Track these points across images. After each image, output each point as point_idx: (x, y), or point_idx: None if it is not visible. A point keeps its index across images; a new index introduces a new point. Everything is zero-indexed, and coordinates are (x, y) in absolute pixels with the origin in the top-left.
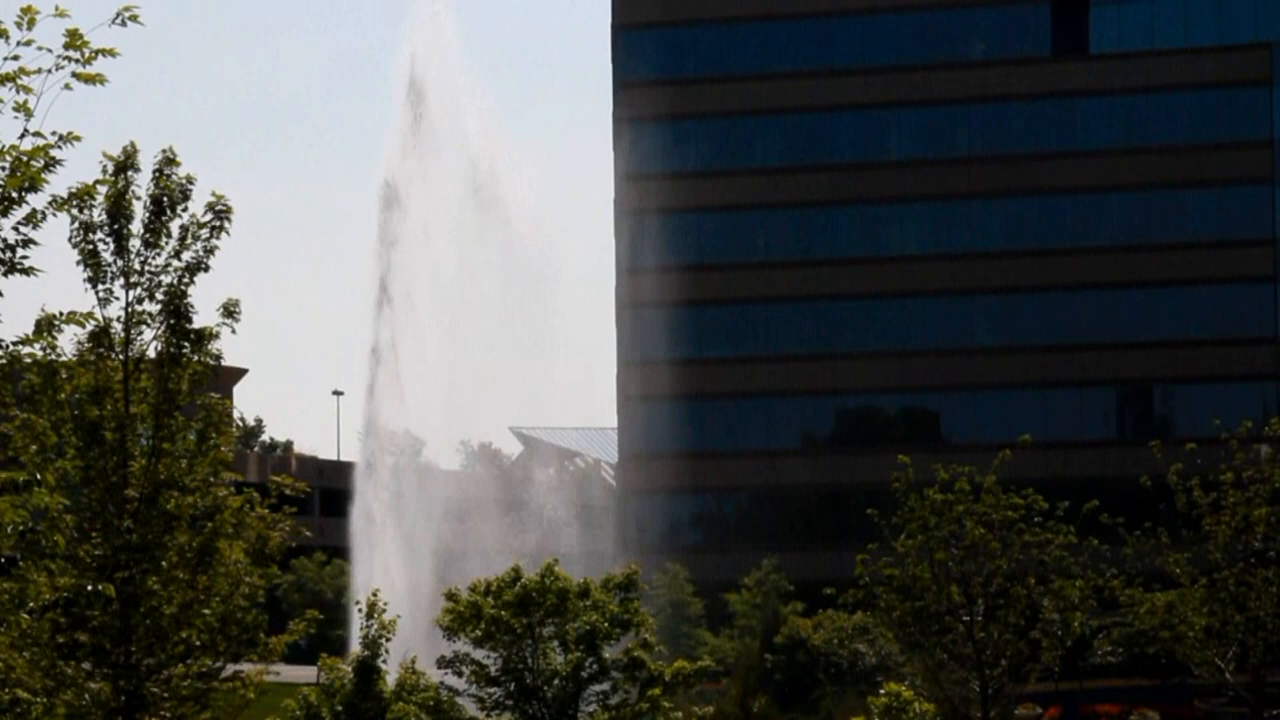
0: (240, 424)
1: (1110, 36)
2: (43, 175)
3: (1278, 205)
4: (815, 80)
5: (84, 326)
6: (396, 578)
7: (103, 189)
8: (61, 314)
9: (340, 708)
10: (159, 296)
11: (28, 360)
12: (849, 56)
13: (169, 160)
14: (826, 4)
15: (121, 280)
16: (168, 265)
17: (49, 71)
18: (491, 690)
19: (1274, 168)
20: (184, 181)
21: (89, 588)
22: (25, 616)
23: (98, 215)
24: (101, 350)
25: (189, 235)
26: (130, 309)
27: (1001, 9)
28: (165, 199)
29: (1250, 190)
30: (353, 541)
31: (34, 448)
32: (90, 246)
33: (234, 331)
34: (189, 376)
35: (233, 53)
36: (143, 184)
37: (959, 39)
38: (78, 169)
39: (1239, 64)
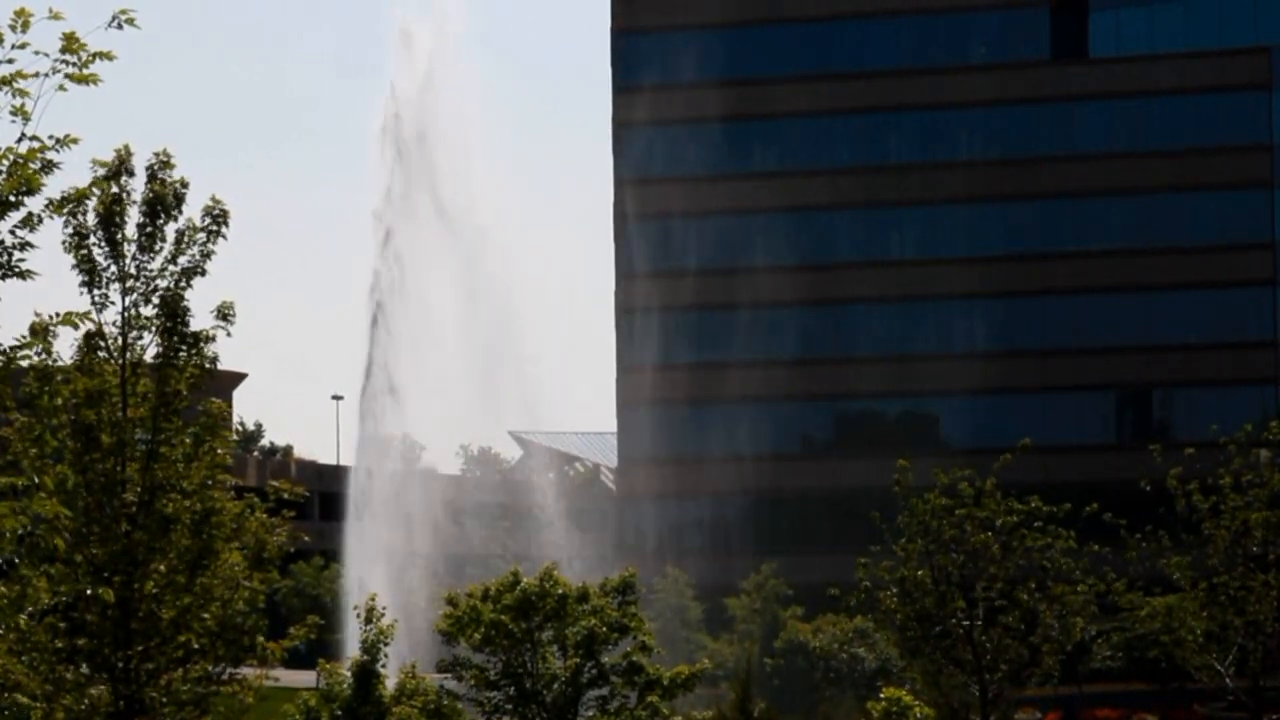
0: (240, 428)
1: (1110, 40)
2: (39, 178)
3: (1277, 209)
4: (814, 85)
5: (76, 328)
6: (395, 582)
7: (96, 192)
8: (56, 315)
9: (340, 712)
10: (155, 300)
11: (24, 364)
12: (848, 61)
13: (164, 163)
14: (825, 8)
15: (118, 285)
16: (164, 269)
17: (45, 75)
18: (491, 694)
19: (1273, 172)
20: (178, 184)
21: (87, 592)
22: (24, 619)
23: (91, 219)
24: (100, 355)
25: (185, 239)
26: (127, 313)
27: (1001, 13)
28: (159, 203)
29: (1250, 194)
30: (346, 546)
31: (33, 451)
32: (85, 251)
33: (229, 334)
34: (186, 380)
35: (230, 56)
36: (137, 187)
37: (958, 43)
38: (75, 172)
39: (1238, 68)
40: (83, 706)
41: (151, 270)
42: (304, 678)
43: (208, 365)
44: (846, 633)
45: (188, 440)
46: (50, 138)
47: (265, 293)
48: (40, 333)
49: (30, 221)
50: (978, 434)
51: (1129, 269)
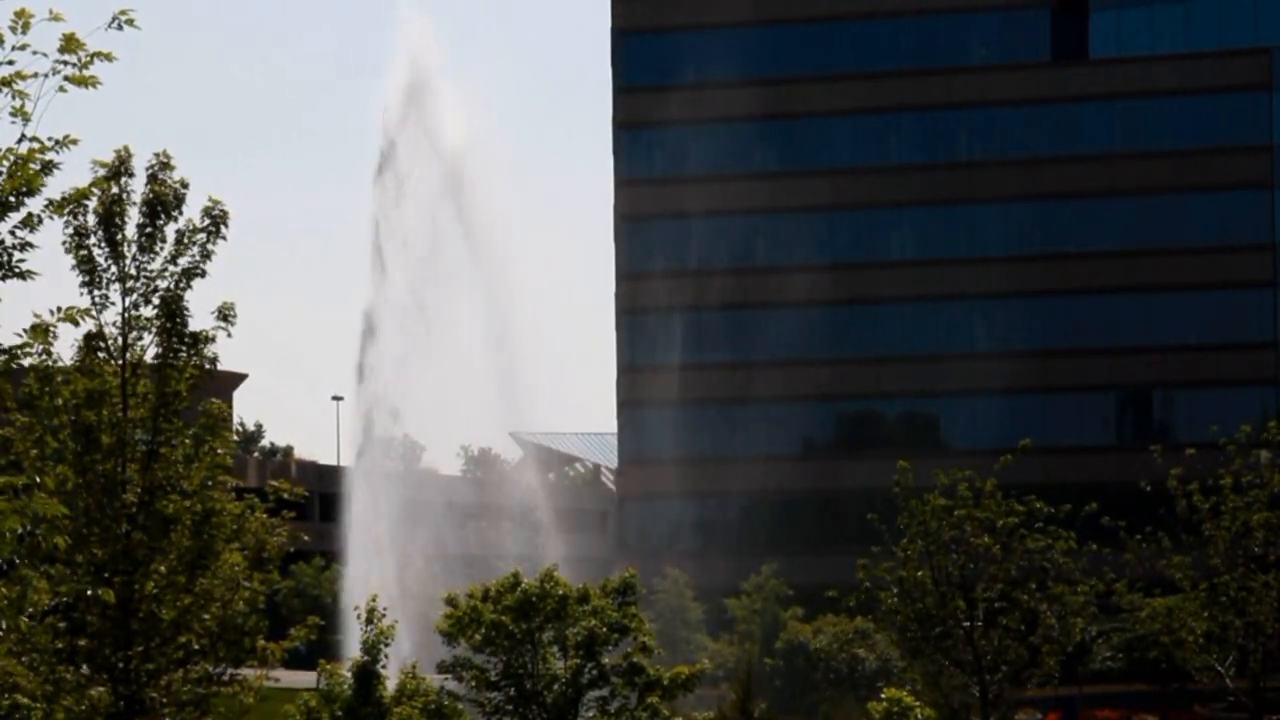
0: (240, 429)
1: (1110, 41)
2: (40, 179)
3: (1277, 210)
4: (814, 85)
5: (77, 324)
6: (393, 583)
7: (96, 192)
8: (58, 309)
9: (340, 713)
10: (155, 301)
11: (25, 364)
12: (848, 61)
13: (163, 164)
14: (826, 9)
15: (118, 285)
16: (164, 270)
17: (45, 76)
18: (491, 695)
19: (1274, 172)
20: (178, 185)
21: (88, 592)
22: (24, 620)
23: (91, 220)
24: (101, 356)
25: (185, 240)
26: (127, 314)
27: (1001, 14)
28: (159, 204)
29: (1250, 195)
30: (347, 547)
31: (34, 452)
32: (85, 251)
33: (229, 335)
34: (186, 381)
35: (230, 57)
36: (137, 188)
37: (959, 44)
38: (75, 173)
39: (1239, 69)
40: (83, 707)
41: (151, 271)
42: (304, 678)
43: (207, 366)
44: (847, 633)
45: (188, 441)
46: (50, 139)
47: (265, 293)
48: (40, 331)
49: (30, 222)
50: (978, 435)
51: (1129, 270)
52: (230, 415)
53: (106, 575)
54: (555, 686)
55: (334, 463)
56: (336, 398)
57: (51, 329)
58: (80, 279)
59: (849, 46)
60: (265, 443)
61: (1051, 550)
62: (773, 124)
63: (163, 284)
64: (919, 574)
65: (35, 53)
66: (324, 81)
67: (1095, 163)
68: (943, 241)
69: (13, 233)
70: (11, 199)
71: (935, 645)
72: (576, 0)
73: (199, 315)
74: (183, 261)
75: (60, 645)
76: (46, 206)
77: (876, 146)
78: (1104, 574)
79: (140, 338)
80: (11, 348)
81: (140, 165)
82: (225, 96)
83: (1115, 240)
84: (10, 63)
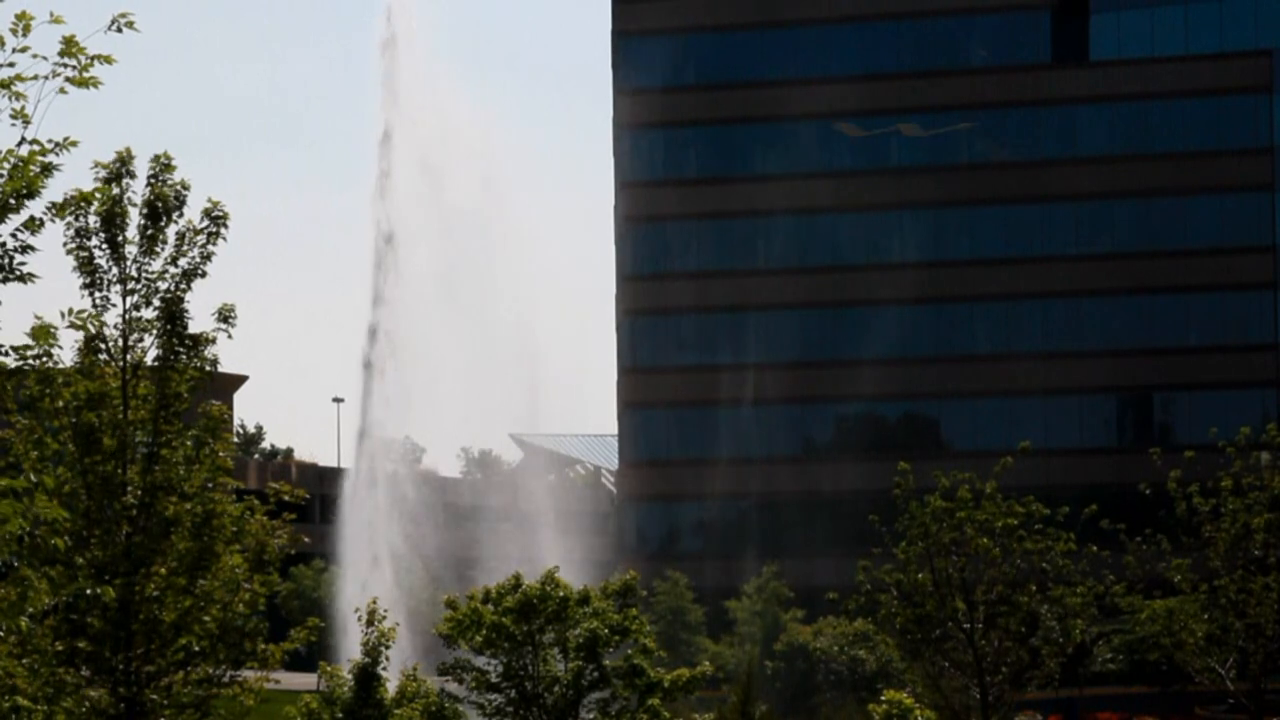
0: (240, 431)
1: (1110, 44)
2: (40, 180)
3: (1278, 212)
4: (815, 87)
5: (85, 330)
6: (393, 585)
7: (99, 196)
8: (69, 310)
9: (341, 715)
10: (156, 303)
11: (28, 366)
12: (849, 63)
13: (164, 166)
14: (826, 11)
15: (119, 287)
16: (164, 272)
17: (45, 78)
18: (492, 697)
19: (1274, 175)
20: (179, 187)
21: (88, 591)
22: (24, 621)
23: (92, 222)
24: (101, 358)
25: (185, 241)
26: (128, 315)
27: (1002, 16)
28: (160, 205)
29: (1250, 197)
30: (346, 549)
31: (34, 454)
32: (86, 254)
33: (230, 336)
34: (186, 382)
35: (231, 59)
36: (138, 190)
37: (959, 46)
38: (75, 175)
39: (1239, 71)
40: (83, 709)
41: (152, 272)
42: (305, 680)
43: (208, 368)
44: (847, 636)
45: (188, 443)
46: (50, 141)
47: (266, 295)
48: (43, 333)
49: (31, 224)
50: (978, 437)
51: (1130, 272)
52: (230, 417)
53: (107, 577)
54: (556, 688)
55: (334, 465)
56: (337, 400)
57: (53, 330)
58: (81, 281)
59: (850, 48)
60: (266, 445)
61: (1051, 552)
62: (772, 125)
63: (163, 285)
64: (919, 576)
65: (35, 55)
66: (324, 84)
67: (1095, 165)
68: (943, 243)
69: (14, 235)
70: (12, 201)
71: (935, 647)
72: (577, 1)
73: (199, 317)
74: (183, 263)
75: (61, 647)
76: (48, 209)
77: (877, 149)
78: (1104, 576)
79: (141, 339)
80: (19, 348)
81: (141, 167)
82: (225, 98)
83: (1115, 242)
84: (11, 65)
